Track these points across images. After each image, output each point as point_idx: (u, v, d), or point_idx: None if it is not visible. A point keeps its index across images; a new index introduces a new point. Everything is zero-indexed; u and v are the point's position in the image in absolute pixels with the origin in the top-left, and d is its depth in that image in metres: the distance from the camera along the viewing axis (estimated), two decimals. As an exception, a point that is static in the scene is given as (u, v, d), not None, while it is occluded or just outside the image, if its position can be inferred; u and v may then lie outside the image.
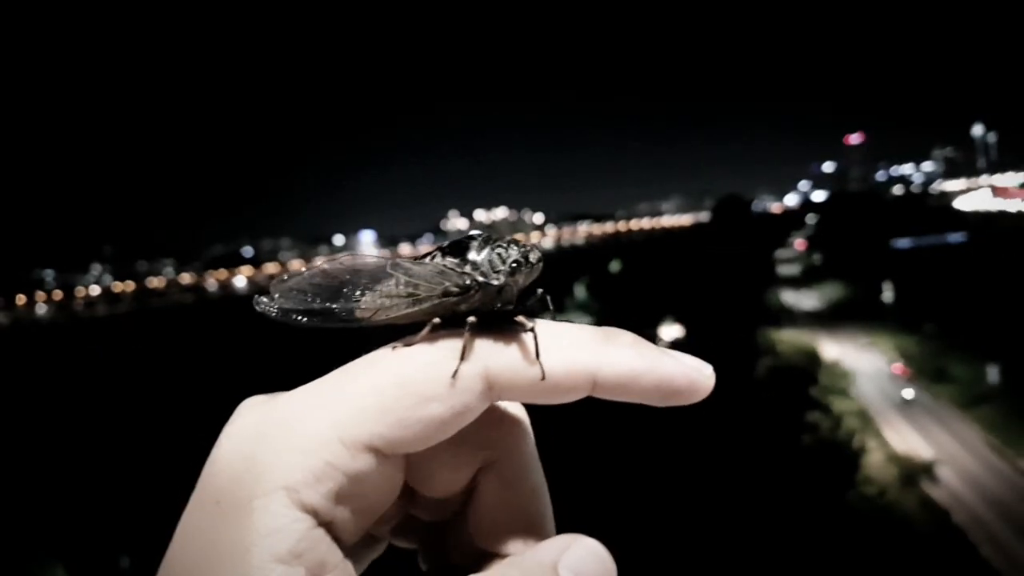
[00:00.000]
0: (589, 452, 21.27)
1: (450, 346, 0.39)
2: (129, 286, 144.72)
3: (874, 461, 23.54)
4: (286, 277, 0.44)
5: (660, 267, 64.91)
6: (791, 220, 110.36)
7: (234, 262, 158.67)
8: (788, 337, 38.46)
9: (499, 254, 0.42)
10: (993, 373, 29.74)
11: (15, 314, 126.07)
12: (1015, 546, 19.12)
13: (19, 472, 29.31)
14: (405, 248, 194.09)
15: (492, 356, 0.39)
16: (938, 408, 28.66)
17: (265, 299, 0.43)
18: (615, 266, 79.20)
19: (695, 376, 0.40)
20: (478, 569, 0.39)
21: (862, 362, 35.36)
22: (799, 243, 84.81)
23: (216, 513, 0.34)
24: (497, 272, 0.42)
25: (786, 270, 73.16)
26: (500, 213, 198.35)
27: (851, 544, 18.22)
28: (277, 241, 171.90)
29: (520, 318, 0.41)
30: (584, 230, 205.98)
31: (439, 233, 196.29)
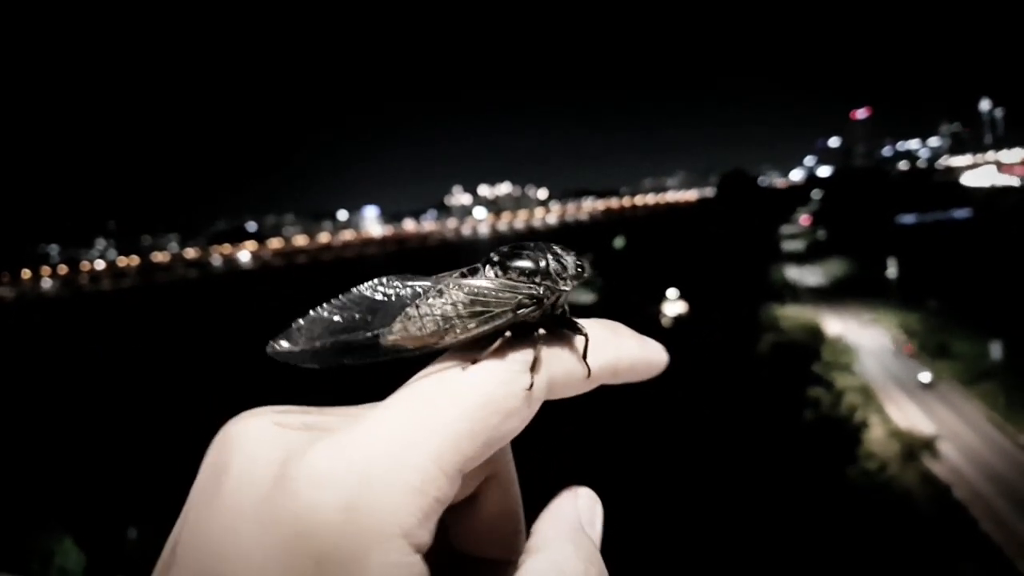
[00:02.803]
0: (598, 427, 21.41)
1: (518, 358, 0.39)
2: (134, 260, 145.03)
3: (876, 436, 23.64)
4: (301, 322, 0.42)
5: (664, 243, 64.71)
6: (796, 196, 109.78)
7: (238, 237, 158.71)
8: (791, 313, 38.47)
9: (560, 262, 0.43)
10: (996, 349, 29.71)
11: (20, 289, 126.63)
12: (1015, 521, 19.24)
13: (28, 446, 29.64)
14: (409, 224, 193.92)
15: (552, 362, 0.40)
16: (940, 384, 28.71)
17: (285, 343, 0.40)
18: (619, 242, 79.00)
19: (664, 356, 0.44)
20: (470, 571, 0.40)
21: (865, 338, 35.37)
22: (804, 219, 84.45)
23: (318, 573, 0.31)
24: (564, 279, 0.43)
25: (790, 246, 72.87)
26: (504, 189, 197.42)
27: (852, 518, 18.38)
28: (281, 216, 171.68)
29: (578, 322, 0.41)
30: (588, 206, 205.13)
31: (443, 209, 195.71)
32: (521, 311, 0.41)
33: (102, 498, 22.65)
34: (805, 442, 22.15)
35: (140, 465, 26.34)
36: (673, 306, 45.26)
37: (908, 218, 71.98)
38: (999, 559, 17.40)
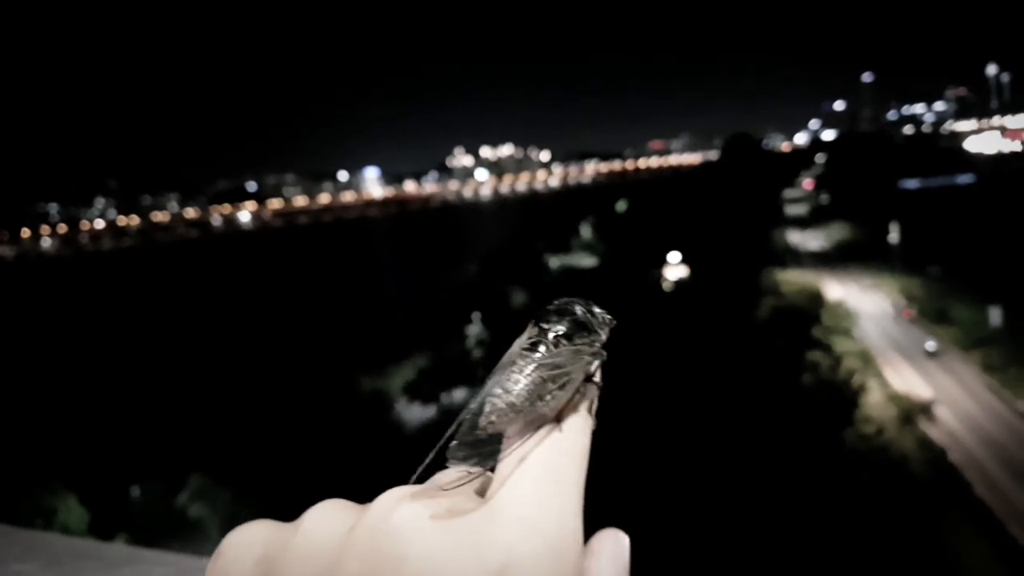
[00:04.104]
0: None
1: (583, 407, 0.45)
2: (133, 220, 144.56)
3: (874, 400, 23.76)
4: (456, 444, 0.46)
5: (667, 207, 64.26)
6: (800, 159, 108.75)
7: (238, 197, 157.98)
8: (792, 277, 38.39)
9: (595, 314, 0.48)
10: (995, 315, 29.67)
11: (21, 248, 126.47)
12: (1009, 485, 19.43)
13: (31, 405, 29.85)
14: (410, 185, 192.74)
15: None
16: (940, 349, 28.76)
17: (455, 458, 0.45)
18: (621, 206, 78.50)
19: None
20: None
21: (866, 303, 35.37)
22: (807, 183, 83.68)
23: None
24: (603, 329, 0.48)
25: (793, 210, 72.31)
26: (506, 151, 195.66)
27: (849, 480, 18.55)
28: (281, 176, 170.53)
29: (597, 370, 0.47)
30: (591, 169, 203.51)
31: (444, 170, 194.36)
32: (589, 369, 0.46)
33: (105, 456, 22.86)
34: (804, 405, 22.26)
35: (142, 425, 26.55)
36: (675, 270, 45.09)
37: (911, 183, 71.41)
38: (991, 521, 17.61)
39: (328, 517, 0.40)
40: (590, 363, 0.46)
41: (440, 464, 0.43)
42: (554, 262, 56.97)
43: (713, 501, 17.39)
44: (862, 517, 16.89)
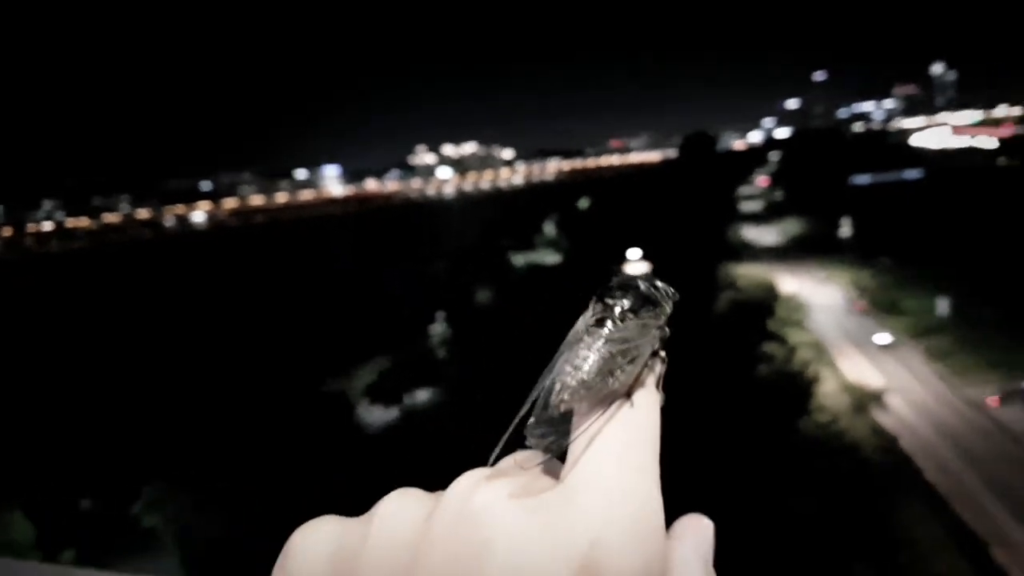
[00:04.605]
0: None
1: (650, 382, 0.45)
2: (83, 222, 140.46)
3: (827, 390, 24.30)
4: (534, 424, 0.45)
5: (628, 205, 64.89)
6: (755, 157, 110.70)
7: (193, 196, 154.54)
8: (749, 271, 39.09)
9: (658, 288, 0.48)
10: (943, 305, 30.70)
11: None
12: (960, 470, 20.04)
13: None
14: (372, 183, 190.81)
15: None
16: (891, 339, 29.54)
17: (531, 440, 0.45)
18: (584, 203, 78.99)
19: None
20: None
21: (819, 295, 36.19)
22: (762, 180, 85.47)
23: None
24: (668, 303, 0.48)
25: (749, 206, 73.81)
26: (469, 148, 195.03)
27: (805, 467, 18.92)
28: (237, 175, 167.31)
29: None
30: (554, 166, 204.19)
31: (406, 168, 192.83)
32: (656, 344, 0.46)
33: (53, 470, 22.08)
34: (761, 395, 22.63)
35: (92, 433, 25.72)
36: (636, 266, 45.65)
37: (862, 178, 73.32)
38: (942, 504, 18.11)
39: (403, 507, 0.39)
40: (657, 337, 0.46)
41: (509, 448, 0.43)
42: (519, 259, 57.04)
43: (674, 489, 17.56)
44: (818, 503, 17.24)
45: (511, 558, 0.35)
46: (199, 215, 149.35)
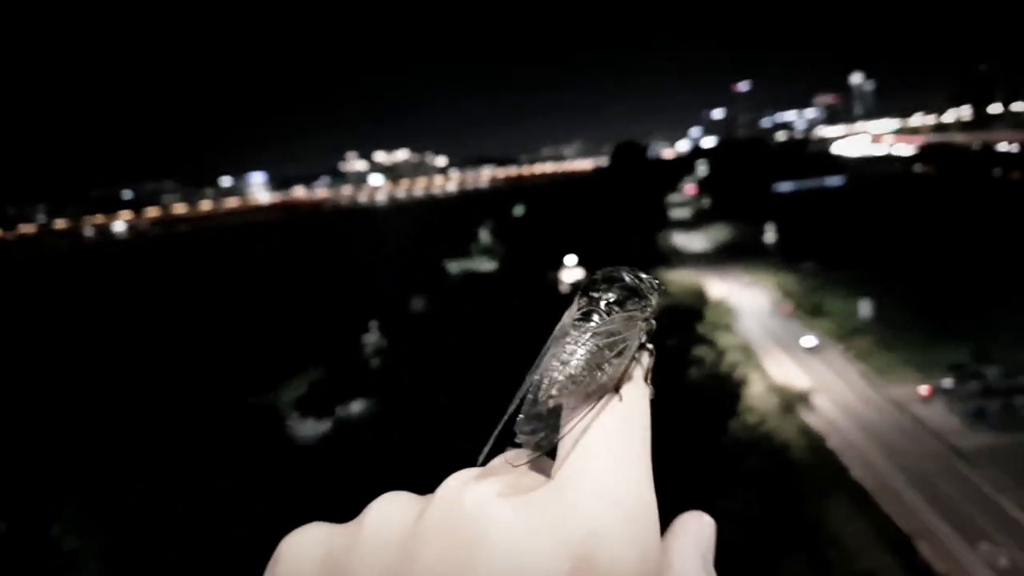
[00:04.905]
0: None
1: (637, 375, 0.44)
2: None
3: (756, 392, 24.75)
4: (523, 419, 0.45)
5: (562, 211, 65.31)
6: (683, 165, 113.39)
7: (113, 206, 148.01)
8: (679, 277, 39.73)
9: (643, 279, 0.48)
10: (865, 307, 31.91)
11: None
12: (883, 465, 20.68)
13: None
14: (300, 191, 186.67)
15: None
16: (816, 341, 30.40)
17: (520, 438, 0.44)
18: (519, 210, 79.18)
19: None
20: None
21: (746, 299, 37.05)
22: (690, 188, 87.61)
23: None
24: (654, 294, 0.48)
25: (678, 213, 75.40)
26: (401, 155, 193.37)
27: (734, 468, 19.13)
28: (159, 183, 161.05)
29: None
30: (488, 174, 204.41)
31: (337, 175, 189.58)
32: (644, 336, 0.46)
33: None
34: (692, 398, 22.86)
35: (7, 454, 24.10)
36: (571, 273, 45.92)
37: (786, 185, 76.05)
38: (867, 500, 18.59)
39: (393, 508, 0.39)
40: (643, 329, 0.46)
41: (498, 448, 0.42)
42: (454, 267, 56.61)
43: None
44: (748, 502, 17.43)
45: (504, 556, 0.34)
46: (120, 225, 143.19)
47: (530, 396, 0.44)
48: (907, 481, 19.85)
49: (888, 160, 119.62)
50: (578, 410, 0.42)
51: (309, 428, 28.93)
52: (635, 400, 0.43)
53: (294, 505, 19.14)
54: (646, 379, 0.45)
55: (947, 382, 24.53)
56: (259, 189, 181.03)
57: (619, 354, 0.44)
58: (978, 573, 15.89)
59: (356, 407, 30.53)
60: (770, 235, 46.13)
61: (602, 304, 0.45)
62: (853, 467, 20.67)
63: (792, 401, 24.22)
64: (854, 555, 16.57)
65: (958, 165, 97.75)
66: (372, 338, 35.46)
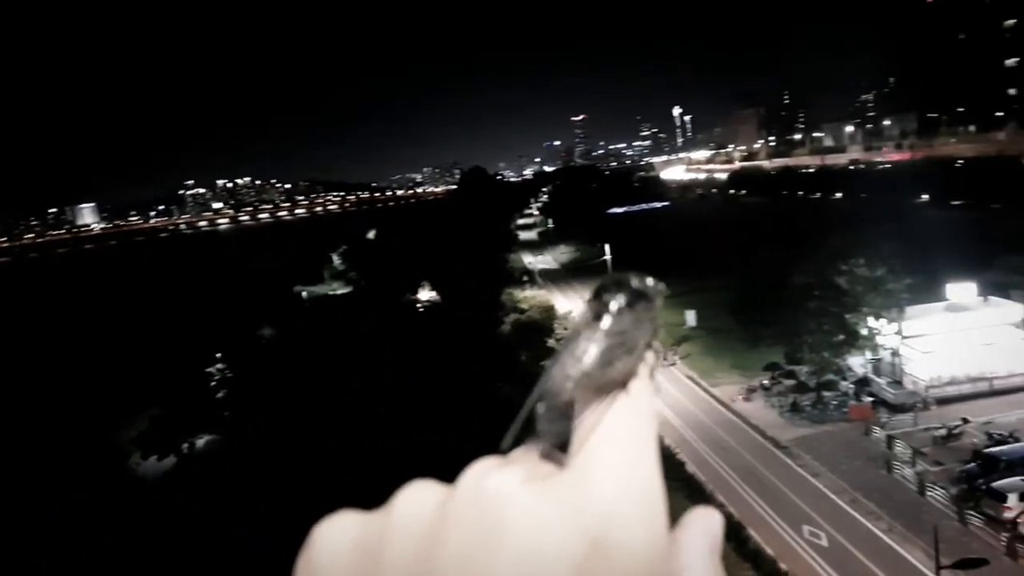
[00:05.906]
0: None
1: (644, 373, 0.47)
2: None
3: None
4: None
5: (415, 234, 66.11)
6: (528, 190, 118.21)
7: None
8: (529, 295, 42.01)
9: (648, 283, 0.50)
10: (691, 317, 35.81)
11: None
12: (713, 461, 23.02)
13: None
14: (135, 218, 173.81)
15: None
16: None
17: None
18: (371, 234, 79.02)
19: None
20: None
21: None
22: (535, 211, 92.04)
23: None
24: (658, 297, 0.49)
25: (525, 235, 78.96)
26: (243, 181, 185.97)
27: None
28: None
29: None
30: (338, 199, 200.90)
31: (179, 202, 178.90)
32: (648, 336, 0.48)
33: None
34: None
35: None
36: (426, 295, 47.41)
37: (618, 209, 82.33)
38: (703, 492, 20.45)
39: (419, 495, 0.42)
40: (650, 330, 0.48)
41: (517, 442, 0.45)
42: (305, 292, 55.68)
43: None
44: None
45: (525, 537, 0.37)
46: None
47: (548, 391, 0.46)
48: (736, 472, 21.86)
49: (705, 184, 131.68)
50: (592, 404, 0.44)
51: (150, 466, 27.53)
52: (643, 396, 0.46)
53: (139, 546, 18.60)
54: (651, 376, 0.48)
55: (764, 381, 27.54)
56: (89, 217, 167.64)
57: (630, 351, 0.46)
58: (803, 554, 17.40)
59: (202, 441, 29.36)
60: (606, 254, 50.08)
61: (613, 306, 0.48)
62: (688, 462, 22.64)
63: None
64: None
65: (762, 186, 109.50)
66: (218, 368, 34.25)
